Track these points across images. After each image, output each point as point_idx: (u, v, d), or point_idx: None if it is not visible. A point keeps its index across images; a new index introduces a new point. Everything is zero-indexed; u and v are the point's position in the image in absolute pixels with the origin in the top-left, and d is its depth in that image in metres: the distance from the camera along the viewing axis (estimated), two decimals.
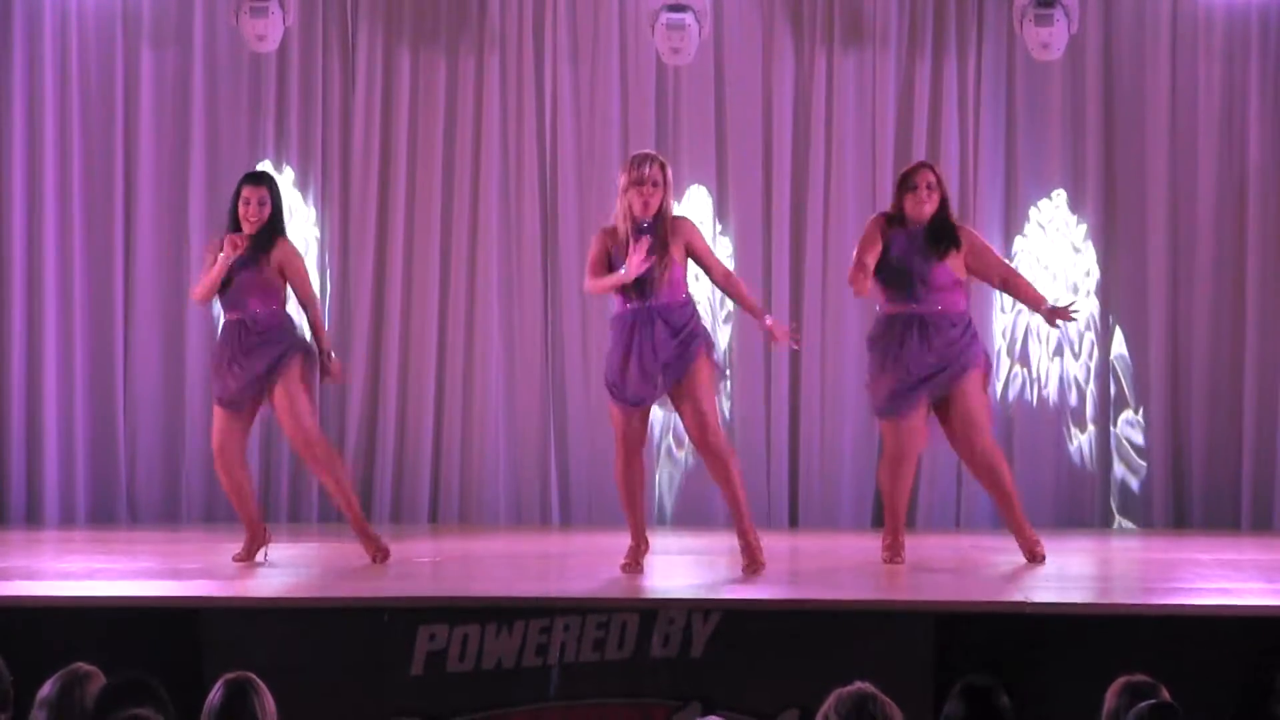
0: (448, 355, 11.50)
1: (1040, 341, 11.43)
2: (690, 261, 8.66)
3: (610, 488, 11.35)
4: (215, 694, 5.11)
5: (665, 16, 11.14)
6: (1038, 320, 10.90)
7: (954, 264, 8.91)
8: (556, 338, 11.49)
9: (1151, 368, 11.35)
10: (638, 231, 8.47)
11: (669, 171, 8.61)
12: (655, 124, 11.48)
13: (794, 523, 11.29)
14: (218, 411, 8.93)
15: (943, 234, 8.90)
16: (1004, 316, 11.40)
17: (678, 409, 8.67)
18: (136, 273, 11.39)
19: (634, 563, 8.51)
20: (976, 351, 9.00)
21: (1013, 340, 11.43)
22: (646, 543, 8.67)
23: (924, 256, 8.86)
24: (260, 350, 8.85)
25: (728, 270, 9.05)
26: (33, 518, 11.30)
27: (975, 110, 11.41)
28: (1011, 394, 11.40)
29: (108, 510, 11.38)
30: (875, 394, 9.04)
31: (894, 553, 8.90)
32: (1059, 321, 9.23)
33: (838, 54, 11.43)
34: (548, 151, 11.47)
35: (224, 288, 8.92)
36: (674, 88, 11.51)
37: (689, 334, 8.48)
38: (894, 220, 8.95)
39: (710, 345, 8.62)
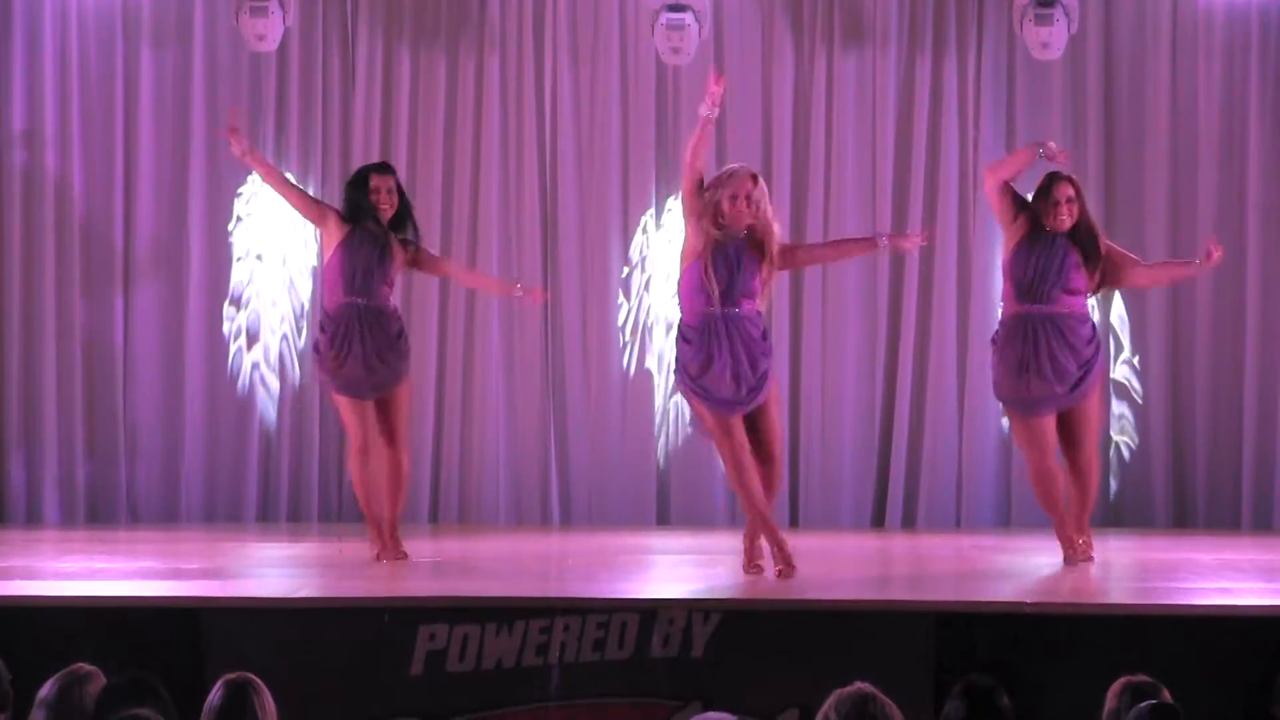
0: (448, 355, 11.50)
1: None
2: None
3: (610, 487, 11.39)
4: (215, 694, 5.11)
5: (665, 16, 11.14)
6: None
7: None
8: (556, 337, 11.49)
9: (1152, 368, 11.35)
10: (728, 241, 8.37)
11: (762, 185, 8.47)
12: (655, 124, 11.48)
13: (794, 523, 11.29)
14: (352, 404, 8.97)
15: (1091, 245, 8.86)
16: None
17: (754, 416, 8.52)
18: (136, 272, 11.39)
19: (788, 566, 8.40)
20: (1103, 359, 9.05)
21: None
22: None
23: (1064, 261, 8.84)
24: (399, 344, 9.00)
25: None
26: (33, 518, 11.30)
27: (975, 110, 11.41)
28: None
29: (108, 510, 11.38)
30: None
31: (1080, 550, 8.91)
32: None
33: (838, 54, 11.43)
34: (548, 151, 11.47)
35: (351, 270, 8.96)
36: (674, 88, 11.51)
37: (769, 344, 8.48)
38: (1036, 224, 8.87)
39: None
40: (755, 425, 8.36)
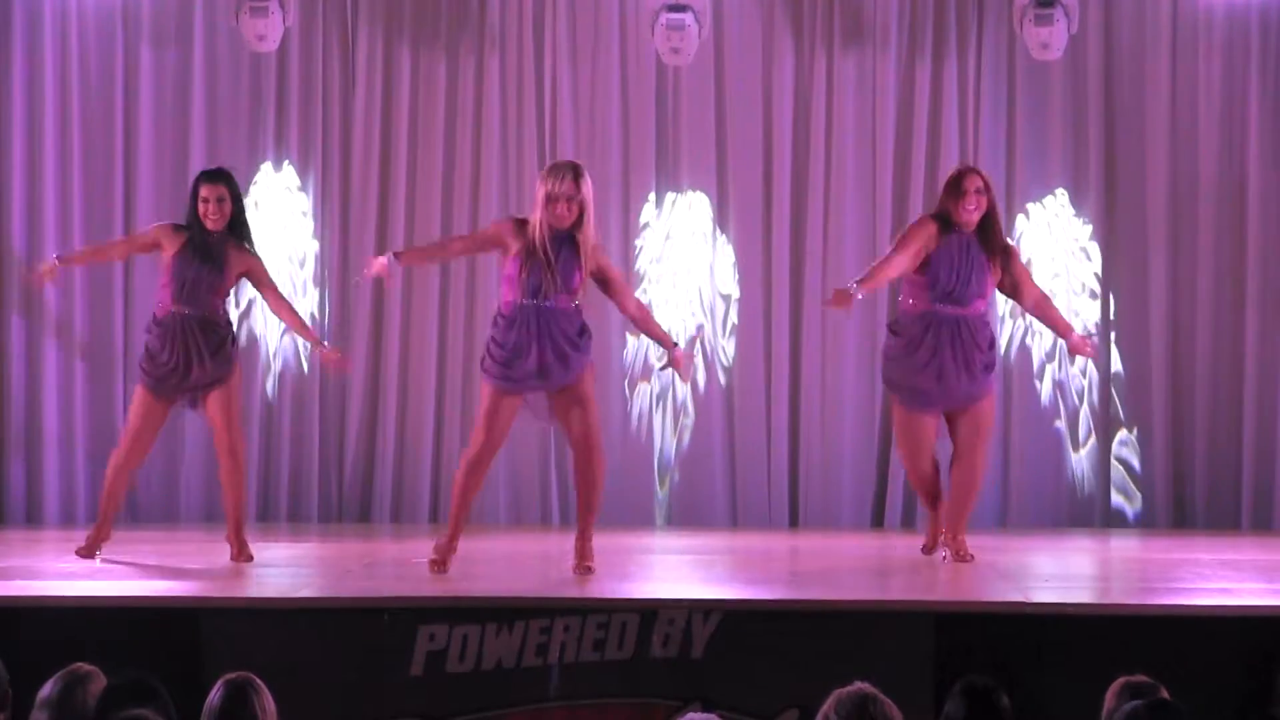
0: (448, 355, 11.50)
1: (1038, 349, 11.44)
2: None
3: (610, 487, 11.36)
4: (215, 694, 5.12)
5: (665, 16, 11.14)
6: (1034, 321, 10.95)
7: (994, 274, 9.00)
8: None
9: (1152, 368, 11.35)
10: (550, 237, 8.40)
11: (586, 185, 8.48)
12: (655, 124, 11.48)
13: (794, 523, 11.29)
14: (149, 398, 9.00)
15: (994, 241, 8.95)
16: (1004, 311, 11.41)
17: (563, 412, 8.58)
18: (136, 272, 11.38)
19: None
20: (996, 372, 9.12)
21: (1011, 339, 11.43)
22: None
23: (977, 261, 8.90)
24: (221, 353, 8.96)
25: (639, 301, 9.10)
26: (33, 518, 11.30)
27: (975, 110, 11.41)
28: (1012, 393, 11.39)
29: None
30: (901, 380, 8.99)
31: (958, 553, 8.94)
32: (1076, 355, 9.27)
33: (838, 54, 11.43)
34: (547, 152, 11.47)
35: (179, 281, 8.97)
36: (674, 88, 11.51)
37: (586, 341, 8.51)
38: (944, 223, 8.94)
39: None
40: (568, 417, 8.52)
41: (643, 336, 11.44)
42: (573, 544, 8.56)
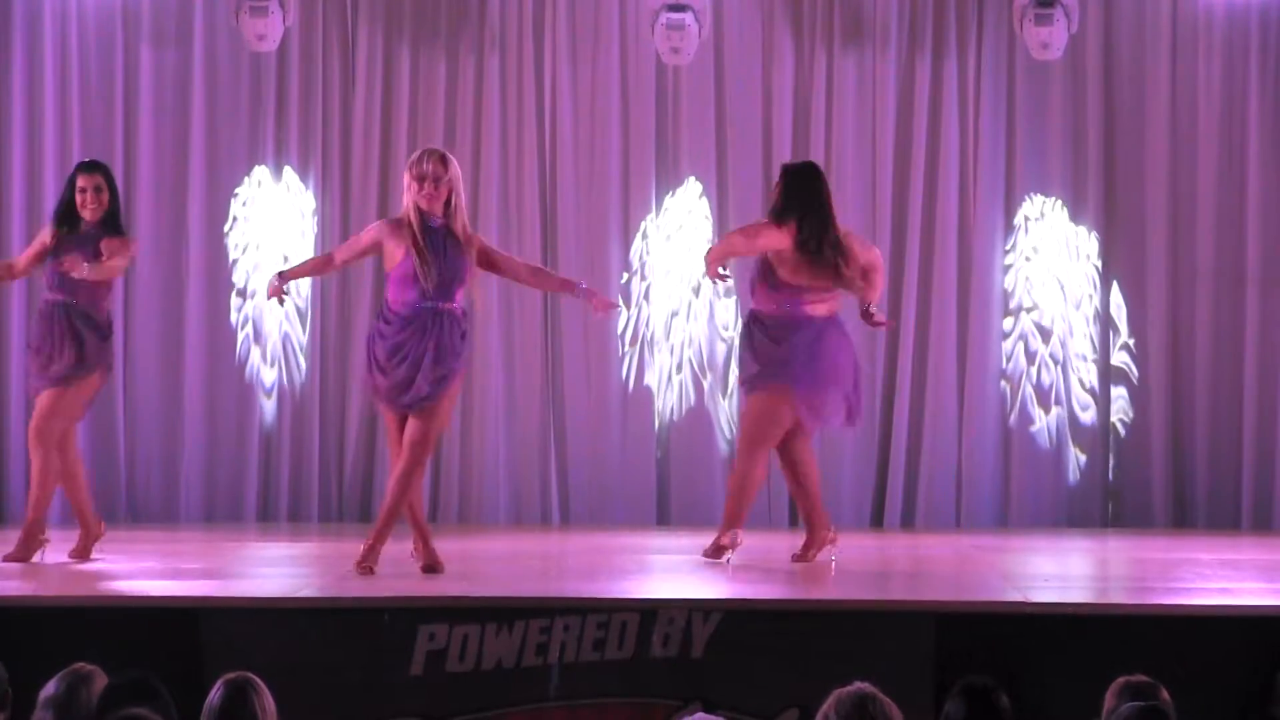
0: None
1: (1038, 348, 11.44)
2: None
3: (610, 487, 11.39)
4: (215, 694, 5.12)
5: (665, 16, 11.14)
6: (1038, 323, 10.99)
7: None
8: (556, 338, 11.49)
9: (1151, 368, 11.35)
10: (426, 231, 8.37)
11: (454, 167, 8.45)
12: (655, 124, 11.48)
13: (794, 523, 11.28)
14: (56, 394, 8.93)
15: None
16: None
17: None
18: (136, 273, 11.38)
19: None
20: None
21: (1012, 342, 11.44)
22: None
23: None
24: (90, 341, 8.89)
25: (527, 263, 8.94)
26: None
27: (975, 110, 11.41)
28: (1012, 395, 11.40)
29: (108, 510, 11.33)
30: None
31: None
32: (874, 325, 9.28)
33: (838, 54, 11.43)
34: (547, 151, 11.47)
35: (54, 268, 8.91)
36: (674, 88, 11.51)
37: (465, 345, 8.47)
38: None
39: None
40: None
41: (643, 332, 11.47)
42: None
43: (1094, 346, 11.43)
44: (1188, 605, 7.62)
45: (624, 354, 11.48)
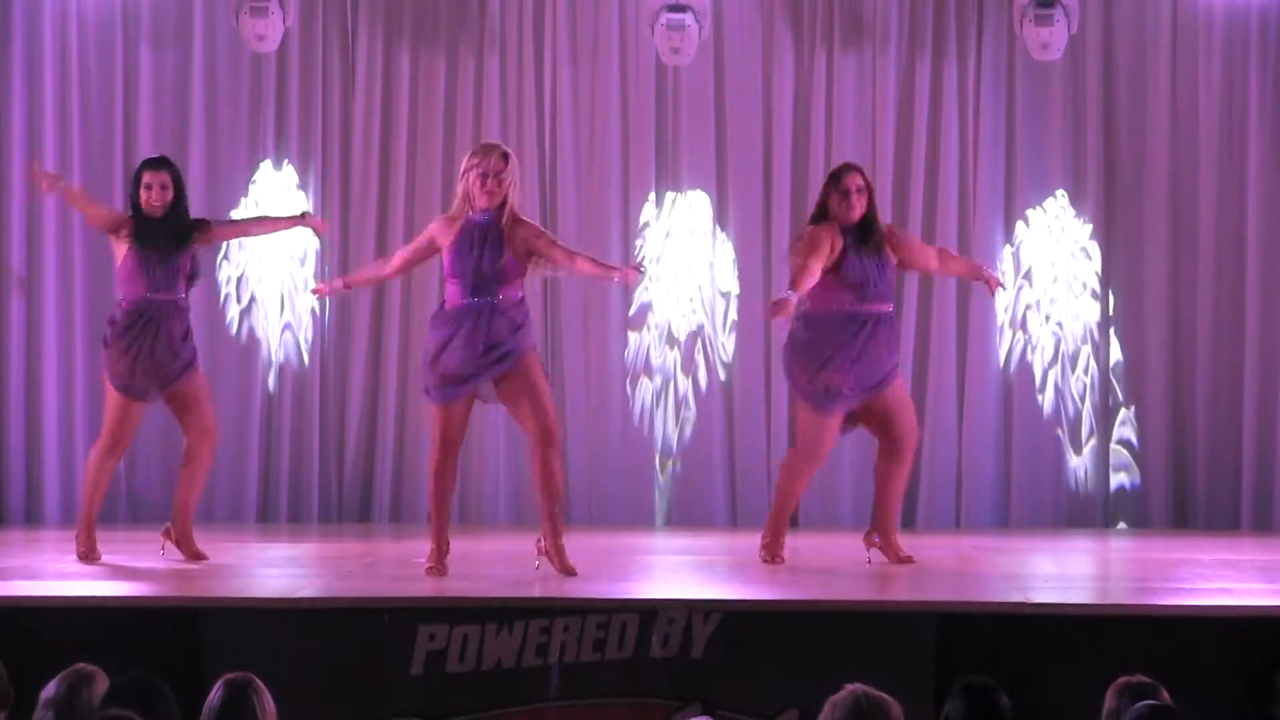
0: None
1: (1038, 348, 11.45)
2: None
3: (610, 487, 11.40)
4: (215, 694, 5.12)
5: (665, 17, 11.15)
6: (1038, 324, 10.98)
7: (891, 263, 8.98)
8: (556, 338, 11.49)
9: (1151, 368, 11.36)
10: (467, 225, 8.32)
11: (513, 164, 8.39)
12: (655, 124, 11.49)
13: (794, 523, 11.27)
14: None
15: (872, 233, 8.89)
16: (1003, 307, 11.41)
17: (513, 402, 8.48)
18: None
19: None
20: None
21: (1012, 344, 11.44)
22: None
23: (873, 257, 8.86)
24: (186, 342, 8.97)
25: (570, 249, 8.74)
26: (33, 518, 11.31)
27: (975, 110, 11.41)
28: (1013, 395, 11.41)
29: (108, 510, 11.31)
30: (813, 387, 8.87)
31: (773, 553, 8.89)
32: (998, 290, 9.27)
33: (838, 54, 11.43)
34: (548, 151, 11.47)
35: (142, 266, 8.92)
36: (674, 88, 11.51)
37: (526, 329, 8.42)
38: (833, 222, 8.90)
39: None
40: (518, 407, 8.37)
41: (644, 332, 11.47)
42: (546, 543, 8.43)
43: (1094, 346, 11.43)
44: (1188, 605, 7.62)
45: (625, 352, 11.48)
